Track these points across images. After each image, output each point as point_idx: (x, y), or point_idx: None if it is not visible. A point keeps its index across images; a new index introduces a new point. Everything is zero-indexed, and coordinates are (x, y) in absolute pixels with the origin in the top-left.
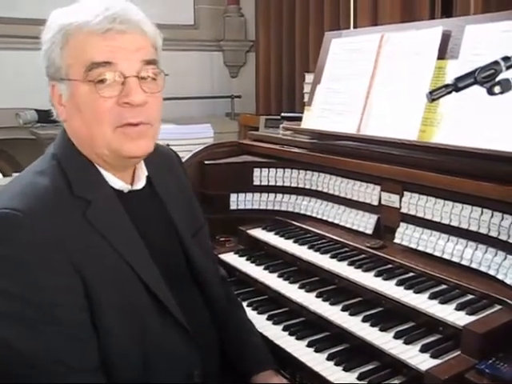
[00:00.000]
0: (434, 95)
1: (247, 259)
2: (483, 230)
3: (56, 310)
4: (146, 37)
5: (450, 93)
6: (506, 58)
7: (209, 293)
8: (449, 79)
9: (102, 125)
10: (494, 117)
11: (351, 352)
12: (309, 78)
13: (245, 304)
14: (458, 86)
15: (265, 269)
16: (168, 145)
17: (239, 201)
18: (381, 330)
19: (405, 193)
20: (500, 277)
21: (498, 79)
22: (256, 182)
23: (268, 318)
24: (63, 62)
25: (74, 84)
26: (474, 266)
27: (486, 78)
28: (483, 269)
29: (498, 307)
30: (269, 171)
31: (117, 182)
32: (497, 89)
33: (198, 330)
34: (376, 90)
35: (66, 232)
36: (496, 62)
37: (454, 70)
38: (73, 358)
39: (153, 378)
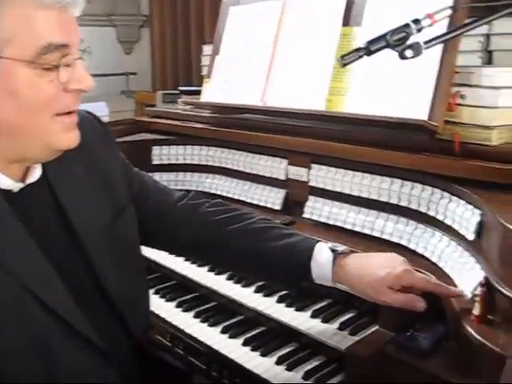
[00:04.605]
0: (346, 59)
1: None
2: (393, 201)
3: None
4: None
5: (361, 57)
6: (416, 21)
7: (120, 310)
8: (355, 46)
9: (42, 112)
10: (401, 84)
11: (268, 335)
12: (207, 49)
13: (151, 292)
14: (370, 49)
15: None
16: None
17: None
18: (297, 309)
19: (312, 165)
20: (412, 246)
21: (409, 43)
22: (156, 161)
23: (177, 306)
24: None
25: (9, 63)
26: (385, 236)
27: (398, 41)
28: (395, 239)
29: None
30: (169, 149)
31: (4, 181)
32: (408, 52)
33: (113, 349)
34: (279, 59)
35: None
36: (407, 25)
37: (359, 36)
38: None
39: None
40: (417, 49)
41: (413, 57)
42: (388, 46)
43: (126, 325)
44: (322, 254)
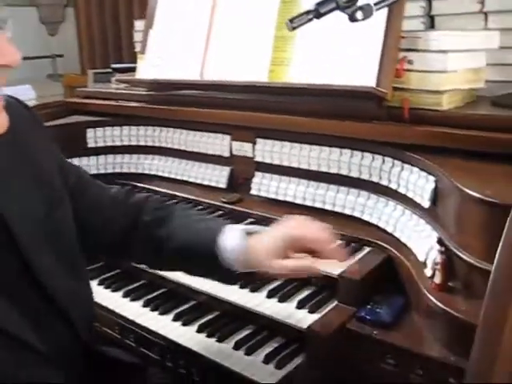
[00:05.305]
0: (295, 23)
1: None
2: (344, 172)
3: None
4: None
5: (311, 20)
6: None
7: (61, 305)
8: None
9: None
10: (347, 52)
11: (222, 320)
12: (139, 25)
13: (95, 282)
14: (319, 11)
15: None
16: None
17: None
18: (251, 290)
19: (257, 140)
20: (366, 218)
21: (359, 4)
22: (91, 144)
23: (125, 295)
24: None
25: None
26: (337, 209)
27: (348, 2)
28: (347, 211)
29: (367, 249)
30: (104, 131)
31: None
32: (359, 15)
33: (55, 349)
34: (217, 30)
35: None
36: None
37: (303, 3)
38: None
39: None
40: (367, 10)
41: (363, 19)
42: (338, 7)
43: (70, 321)
44: (232, 240)
